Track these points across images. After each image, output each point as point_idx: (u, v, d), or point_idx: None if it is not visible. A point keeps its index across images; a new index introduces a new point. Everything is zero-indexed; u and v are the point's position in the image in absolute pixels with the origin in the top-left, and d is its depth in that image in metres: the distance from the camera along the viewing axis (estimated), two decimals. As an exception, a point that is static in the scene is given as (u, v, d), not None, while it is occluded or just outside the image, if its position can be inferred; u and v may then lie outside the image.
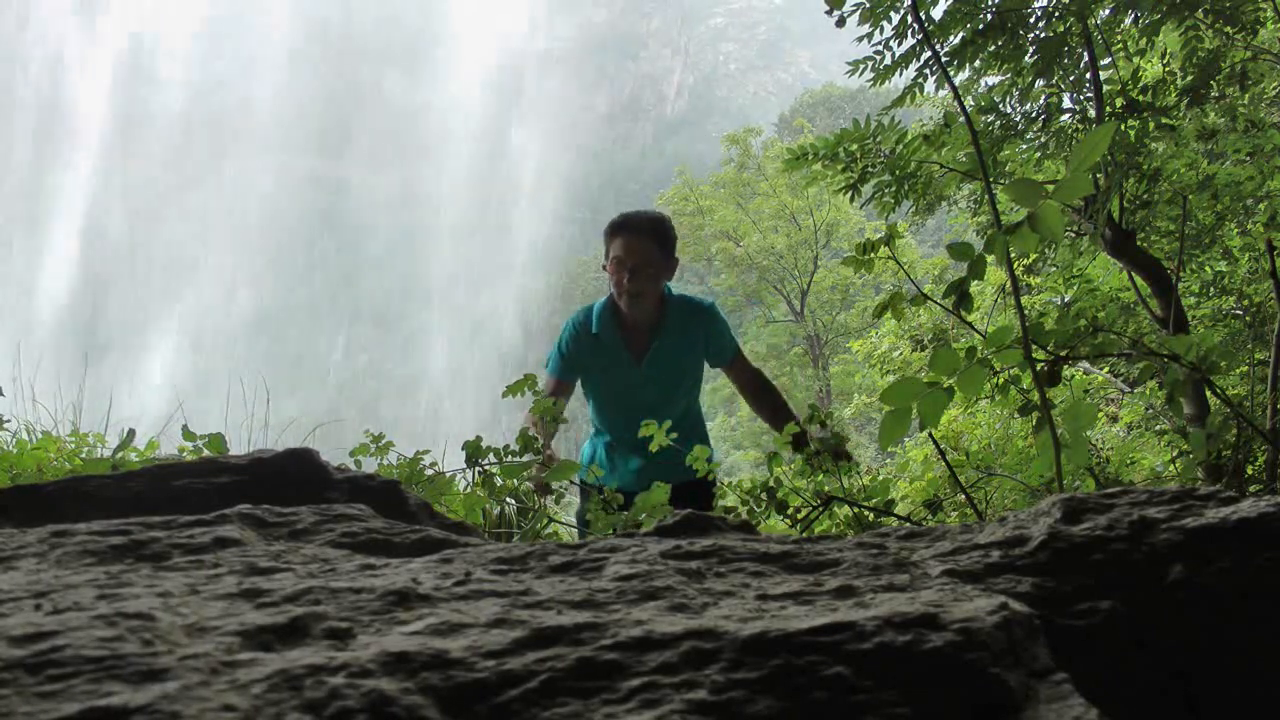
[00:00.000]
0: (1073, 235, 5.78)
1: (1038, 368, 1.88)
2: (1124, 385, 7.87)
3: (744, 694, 0.56)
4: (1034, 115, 4.95)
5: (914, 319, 11.23)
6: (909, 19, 4.27)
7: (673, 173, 29.69)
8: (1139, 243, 5.24)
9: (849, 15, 4.25)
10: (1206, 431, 2.25)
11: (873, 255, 2.63)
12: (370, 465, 3.66)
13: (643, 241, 3.31)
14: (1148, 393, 6.82)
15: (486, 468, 3.13)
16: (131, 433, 2.80)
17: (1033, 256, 7.19)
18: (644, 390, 3.43)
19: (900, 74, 4.58)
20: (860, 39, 4.41)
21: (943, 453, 3.17)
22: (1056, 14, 4.42)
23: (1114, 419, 8.58)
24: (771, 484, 3.05)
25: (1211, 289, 6.95)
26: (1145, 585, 0.77)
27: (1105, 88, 4.71)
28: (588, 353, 3.49)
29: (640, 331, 3.43)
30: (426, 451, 3.71)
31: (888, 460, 12.55)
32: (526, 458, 3.08)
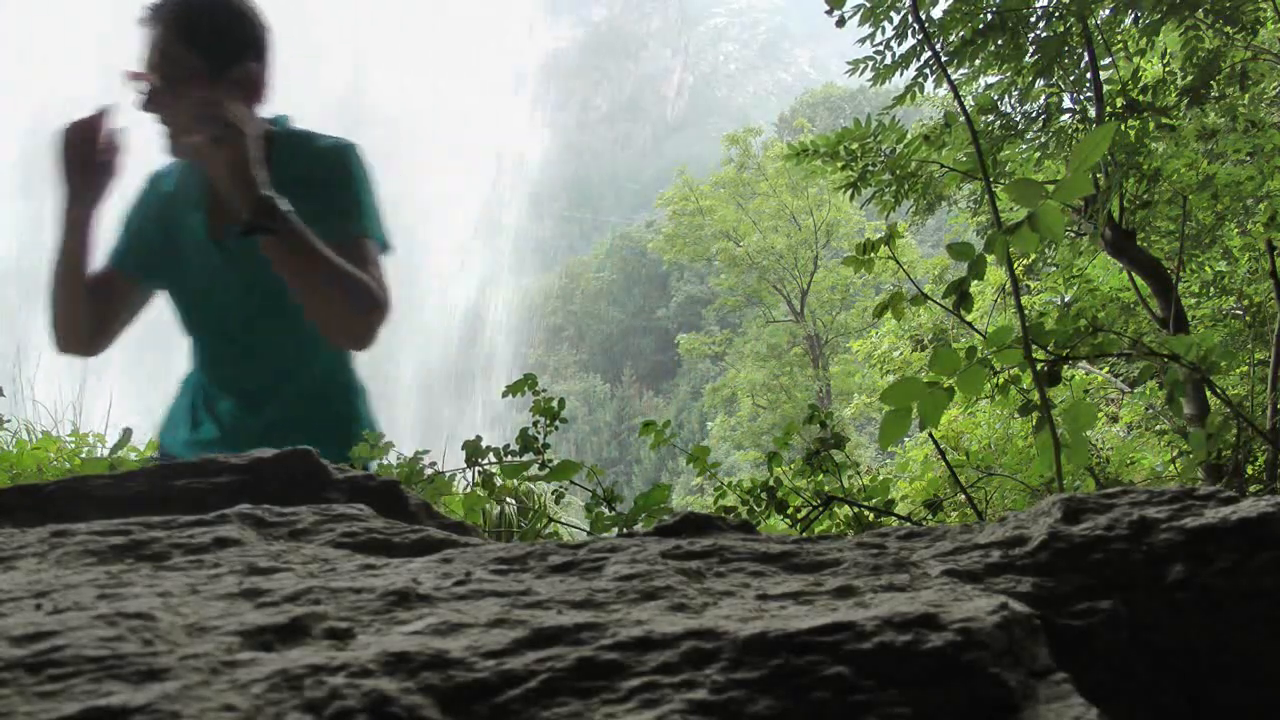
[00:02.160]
0: (1073, 235, 5.78)
1: (1038, 368, 1.88)
2: (1124, 385, 7.87)
3: (744, 694, 0.56)
4: (1034, 115, 4.96)
5: (914, 319, 11.23)
6: (909, 19, 4.27)
7: (673, 173, 29.68)
8: (1139, 243, 5.25)
9: (849, 16, 4.25)
10: (1206, 431, 2.25)
11: (873, 255, 2.63)
12: (369, 466, 3.67)
13: (162, 35, 1.88)
14: (1148, 393, 6.82)
15: (486, 468, 3.13)
16: (128, 431, 2.79)
17: (1032, 257, 7.20)
18: (227, 285, 2.03)
19: (900, 73, 4.58)
20: (861, 40, 4.42)
21: (943, 453, 3.18)
22: (1056, 14, 4.42)
23: (1114, 419, 8.59)
24: (771, 484, 3.05)
25: (1211, 289, 6.96)
26: (1145, 585, 0.77)
27: (1105, 88, 4.71)
28: (154, 221, 2.09)
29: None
30: (426, 451, 3.71)
31: (888, 460, 12.56)
32: (527, 457, 3.09)
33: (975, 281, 1.99)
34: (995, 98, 4.85)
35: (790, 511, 2.98)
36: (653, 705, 0.55)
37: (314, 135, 2.05)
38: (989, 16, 4.32)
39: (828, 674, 0.58)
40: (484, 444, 3.20)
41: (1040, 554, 0.81)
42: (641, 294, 69.13)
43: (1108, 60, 4.90)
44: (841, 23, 4.23)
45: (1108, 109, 4.64)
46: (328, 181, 1.96)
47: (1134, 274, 5.51)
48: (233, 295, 2.05)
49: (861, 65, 4.55)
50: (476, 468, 3.09)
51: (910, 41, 4.41)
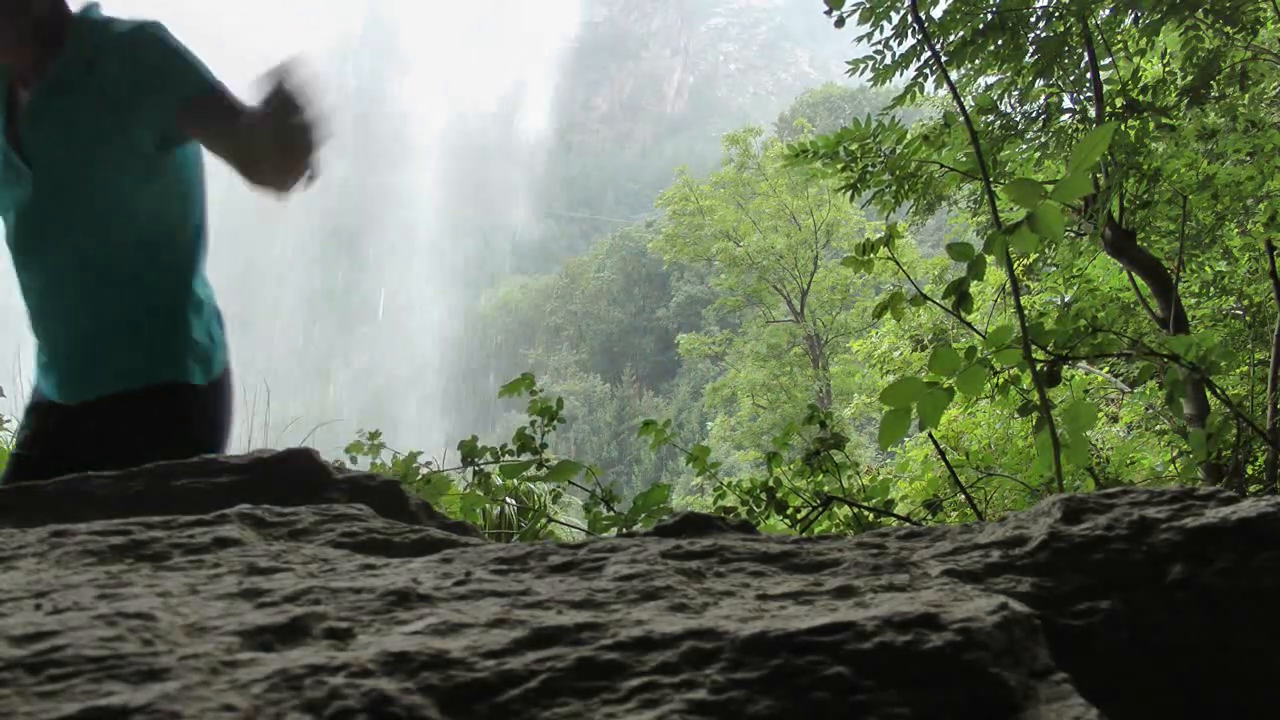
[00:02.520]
0: (1073, 235, 5.78)
1: (1038, 368, 1.88)
2: (1124, 385, 7.87)
3: (744, 694, 0.56)
4: (1034, 115, 4.96)
5: (914, 319, 11.23)
6: (909, 19, 4.27)
7: (673, 173, 29.67)
8: (1139, 243, 5.25)
9: (849, 15, 4.25)
10: (1206, 431, 2.25)
11: (873, 255, 2.63)
12: (363, 464, 3.68)
13: None
14: (1148, 393, 6.82)
15: (482, 468, 3.13)
16: None
17: (1033, 257, 7.20)
18: (20, 186, 1.88)
19: (900, 73, 4.58)
20: (860, 39, 4.42)
21: (943, 453, 3.18)
22: (1056, 14, 4.42)
23: (1114, 419, 8.59)
24: (771, 484, 3.05)
25: (1211, 289, 6.95)
26: (1145, 585, 0.77)
27: (1105, 88, 4.71)
28: None
29: (31, 78, 1.90)
30: (419, 453, 3.72)
31: (888, 460, 12.56)
32: (524, 457, 3.09)
33: (975, 281, 1.99)
34: (995, 98, 4.85)
35: (790, 512, 2.98)
36: (653, 705, 0.55)
37: (119, 19, 1.91)
38: (989, 16, 4.32)
39: (828, 674, 0.58)
40: (480, 444, 3.21)
41: (1040, 554, 0.81)
42: (641, 294, 69.15)
43: (1108, 60, 4.90)
44: (840, 23, 4.23)
45: (1108, 109, 4.64)
46: (154, 57, 1.84)
47: (1134, 274, 5.51)
48: (22, 194, 1.86)
49: (861, 65, 4.55)
50: (473, 468, 3.09)
51: (910, 41, 4.42)
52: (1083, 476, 4.49)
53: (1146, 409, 7.68)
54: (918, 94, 4.69)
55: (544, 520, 3.83)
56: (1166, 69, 5.21)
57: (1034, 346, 1.84)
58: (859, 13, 4.30)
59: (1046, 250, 6.83)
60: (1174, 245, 5.80)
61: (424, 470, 3.54)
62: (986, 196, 2.85)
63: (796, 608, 0.70)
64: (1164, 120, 4.74)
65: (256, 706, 0.51)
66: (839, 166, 4.67)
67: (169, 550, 0.84)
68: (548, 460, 3.02)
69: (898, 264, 2.78)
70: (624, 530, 2.75)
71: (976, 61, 4.54)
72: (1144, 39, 4.85)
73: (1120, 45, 4.98)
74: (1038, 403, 1.92)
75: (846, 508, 2.87)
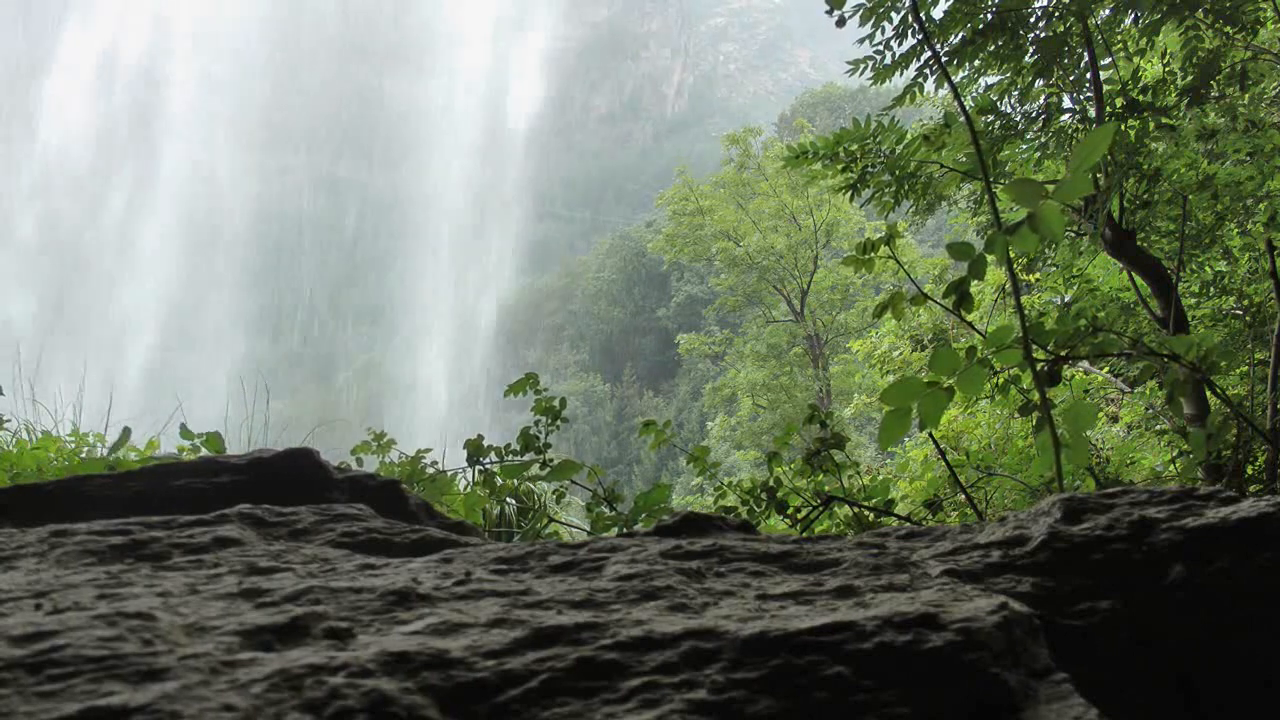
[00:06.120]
0: (1073, 235, 5.77)
1: (1038, 368, 1.88)
2: (1124, 385, 7.87)
3: (744, 694, 0.56)
4: (1034, 115, 4.95)
5: (914, 319, 11.22)
6: (909, 19, 4.27)
7: (673, 173, 29.68)
8: (1139, 243, 5.24)
9: (849, 16, 4.24)
10: (1206, 431, 2.25)
11: (873, 255, 2.63)
12: (371, 464, 3.67)
13: None
14: (1148, 393, 6.82)
15: (487, 467, 3.13)
16: (127, 430, 2.80)
17: (1032, 256, 7.20)
18: None
19: (900, 73, 4.58)
20: (861, 40, 4.42)
21: (943, 453, 3.18)
22: (1056, 14, 4.42)
23: (1114, 419, 8.58)
24: (771, 484, 3.05)
25: (1211, 289, 6.95)
26: (1145, 585, 0.77)
27: (1105, 88, 4.70)
28: None
29: None
30: (428, 450, 3.71)
31: (888, 460, 12.56)
32: (528, 457, 3.08)
33: (975, 281, 1.99)
34: (995, 98, 4.84)
35: (790, 511, 2.98)
36: (653, 705, 0.55)
37: None
38: (989, 17, 4.31)
39: (828, 674, 0.58)
40: (485, 443, 3.20)
41: (1040, 554, 0.81)
42: (641, 294, 69.10)
43: (1108, 60, 4.89)
44: (841, 23, 4.22)
45: (1108, 109, 4.64)
46: None
47: (1134, 274, 5.51)
48: None
49: (862, 65, 4.55)
50: (478, 467, 3.09)
51: (910, 41, 4.41)
52: (1083, 476, 4.49)
53: (1146, 409, 7.67)
54: (918, 94, 4.69)
55: (545, 520, 3.83)
56: (1166, 69, 5.20)
57: (1034, 346, 1.84)
58: (860, 13, 4.30)
59: (1046, 250, 6.83)
60: (1174, 245, 5.79)
61: (430, 470, 3.53)
62: (986, 196, 2.86)
63: (797, 608, 0.70)
64: (1164, 120, 4.73)
65: (256, 706, 0.50)
66: (839, 167, 4.67)
67: (169, 550, 0.84)
68: (550, 460, 3.02)
69: (898, 264, 2.78)
70: (625, 530, 2.74)
71: (976, 62, 4.54)
72: (1144, 39, 4.85)
73: (1120, 45, 4.97)
74: (1038, 403, 1.92)
75: (846, 508, 2.87)
